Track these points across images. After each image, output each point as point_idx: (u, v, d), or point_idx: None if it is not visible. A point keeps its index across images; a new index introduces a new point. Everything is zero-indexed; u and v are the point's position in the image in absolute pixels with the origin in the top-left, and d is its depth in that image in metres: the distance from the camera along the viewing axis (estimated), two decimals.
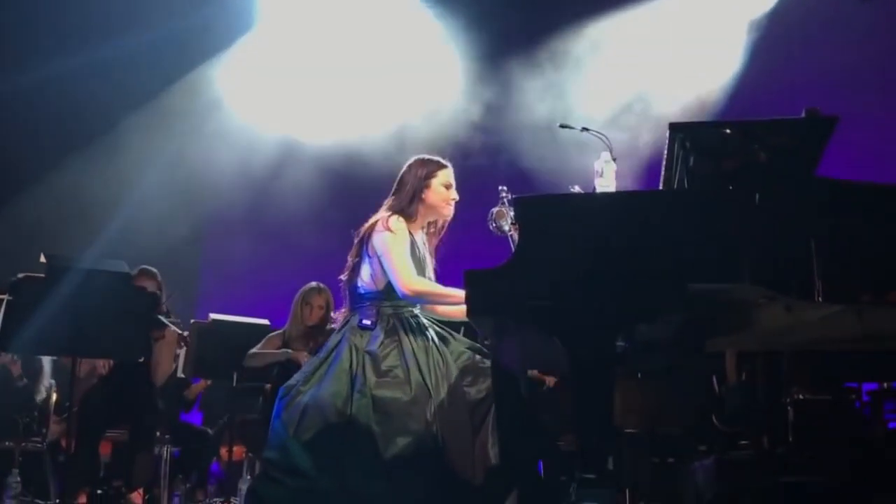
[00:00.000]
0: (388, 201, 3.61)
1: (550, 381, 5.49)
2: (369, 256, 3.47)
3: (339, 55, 7.52)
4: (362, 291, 3.50)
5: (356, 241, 3.55)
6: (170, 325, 5.21)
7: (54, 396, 5.74)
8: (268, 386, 5.48)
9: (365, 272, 3.50)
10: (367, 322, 3.43)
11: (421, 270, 3.51)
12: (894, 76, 6.58)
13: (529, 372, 5.27)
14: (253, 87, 7.65)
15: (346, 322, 3.50)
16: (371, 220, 3.55)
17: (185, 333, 5.41)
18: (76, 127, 7.19)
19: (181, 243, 7.41)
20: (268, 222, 7.62)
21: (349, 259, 3.56)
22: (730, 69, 7.05)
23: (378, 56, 7.47)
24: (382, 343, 3.37)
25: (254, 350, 5.30)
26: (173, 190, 7.24)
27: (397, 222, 3.48)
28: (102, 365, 5.33)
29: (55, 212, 6.95)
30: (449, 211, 3.63)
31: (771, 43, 6.92)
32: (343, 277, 3.57)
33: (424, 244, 3.62)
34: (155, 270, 5.35)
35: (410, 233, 3.54)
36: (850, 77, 6.45)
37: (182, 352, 5.68)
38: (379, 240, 3.45)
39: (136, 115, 7.34)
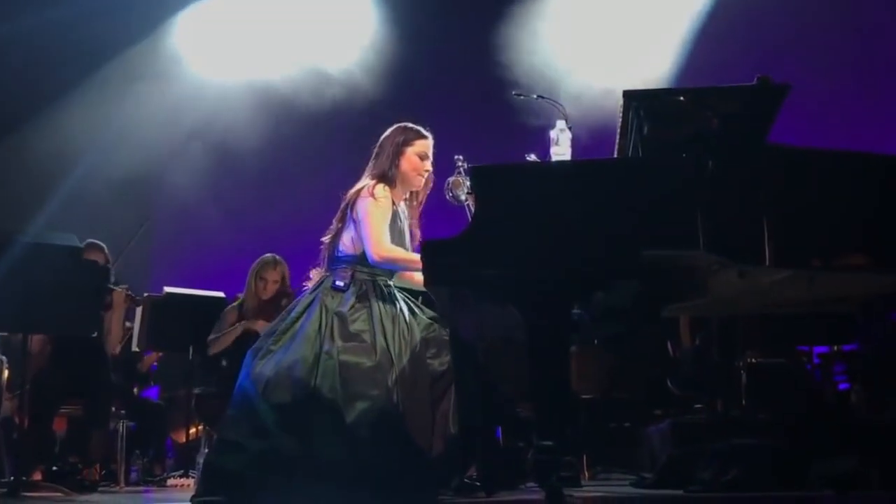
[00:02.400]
0: (369, 166, 3.64)
1: None
2: (354, 221, 3.51)
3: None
4: (340, 255, 3.54)
5: (342, 205, 3.58)
6: (115, 287, 5.11)
7: (6, 373, 5.64)
8: (224, 363, 5.43)
9: (346, 236, 3.54)
10: (340, 283, 3.47)
11: (401, 241, 3.55)
12: (845, 43, 6.64)
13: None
14: (208, 46, 7.52)
15: (321, 283, 3.53)
16: (357, 186, 3.57)
17: (131, 293, 5.32)
18: (21, 93, 7.00)
19: (133, 214, 7.28)
20: (221, 191, 7.52)
21: (333, 222, 3.59)
22: (683, 36, 7.06)
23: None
24: (353, 306, 3.39)
25: (212, 336, 5.26)
26: (123, 159, 7.10)
27: (382, 190, 3.50)
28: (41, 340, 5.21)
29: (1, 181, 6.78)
30: (420, 182, 3.63)
31: (725, 10, 6.94)
32: (325, 239, 3.60)
33: (406, 216, 3.64)
34: (102, 244, 5.25)
35: (394, 203, 3.56)
36: (801, 44, 6.50)
37: (137, 324, 5.61)
38: (361, 205, 3.49)
39: (85, 81, 7.18)
